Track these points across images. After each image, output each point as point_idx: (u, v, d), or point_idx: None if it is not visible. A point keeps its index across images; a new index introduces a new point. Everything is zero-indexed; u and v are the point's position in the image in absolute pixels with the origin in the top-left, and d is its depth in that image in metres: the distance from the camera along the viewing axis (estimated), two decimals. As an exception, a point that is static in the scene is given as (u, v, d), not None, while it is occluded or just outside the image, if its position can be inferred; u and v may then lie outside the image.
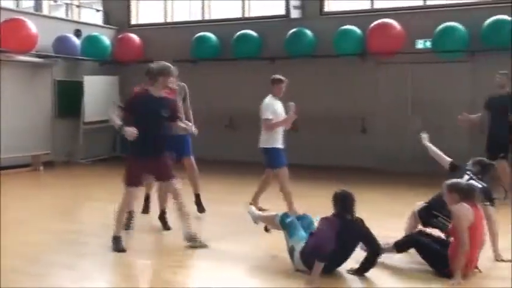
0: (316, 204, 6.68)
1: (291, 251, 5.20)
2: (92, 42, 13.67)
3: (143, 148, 5.74)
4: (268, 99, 7.47)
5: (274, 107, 7.39)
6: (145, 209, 7.40)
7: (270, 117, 7.30)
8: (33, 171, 12.25)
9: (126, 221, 6.37)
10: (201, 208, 7.53)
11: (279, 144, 7.41)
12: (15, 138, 12.02)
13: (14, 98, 12.26)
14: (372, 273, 5.05)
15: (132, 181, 5.82)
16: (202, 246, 5.94)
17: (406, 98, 12.02)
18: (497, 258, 5.49)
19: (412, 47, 11.66)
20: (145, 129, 5.63)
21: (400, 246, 5.35)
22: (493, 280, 5.06)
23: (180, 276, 5.33)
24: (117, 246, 5.78)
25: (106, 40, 13.96)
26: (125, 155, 5.91)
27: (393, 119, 12.08)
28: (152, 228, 6.90)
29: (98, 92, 13.41)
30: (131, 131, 5.57)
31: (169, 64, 6.01)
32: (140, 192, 6.53)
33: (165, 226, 6.85)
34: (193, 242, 5.93)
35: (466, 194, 5.04)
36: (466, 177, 5.66)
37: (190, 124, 6.34)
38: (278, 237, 5.67)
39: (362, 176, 10.76)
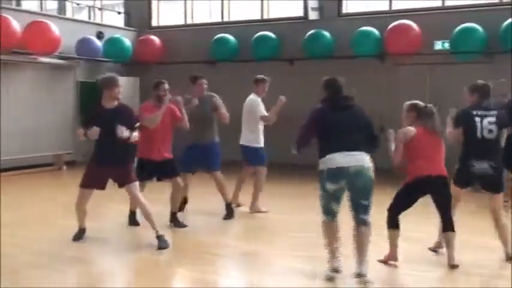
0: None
1: None
2: (113, 43, 13.93)
3: (103, 156, 6.02)
4: (255, 98, 7.81)
5: (262, 104, 7.80)
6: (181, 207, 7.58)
7: (266, 113, 7.71)
8: (57, 170, 12.55)
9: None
10: (230, 213, 7.62)
11: (262, 143, 7.83)
12: (38, 138, 12.35)
13: (37, 98, 12.58)
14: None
15: (84, 183, 6.10)
16: (165, 247, 6.04)
17: (424, 99, 11.94)
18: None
19: (430, 48, 11.67)
20: (103, 140, 5.89)
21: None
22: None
23: (200, 274, 5.47)
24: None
25: (127, 42, 14.21)
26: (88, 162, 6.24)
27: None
28: (169, 226, 7.07)
29: (119, 92, 13.63)
30: (93, 131, 5.82)
31: (113, 75, 6.25)
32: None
33: (180, 225, 7.05)
34: (160, 242, 6.04)
35: (420, 113, 5.27)
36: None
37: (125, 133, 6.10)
38: (299, 239, 5.77)
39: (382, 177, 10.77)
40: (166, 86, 6.87)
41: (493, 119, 5.50)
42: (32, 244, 6.19)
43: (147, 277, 5.28)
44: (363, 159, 4.78)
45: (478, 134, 5.43)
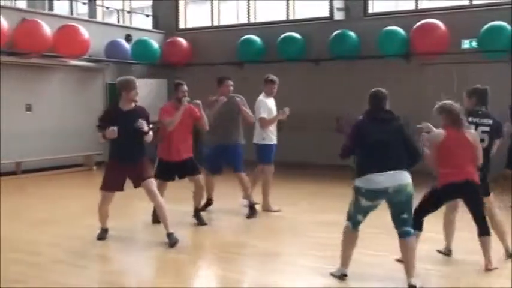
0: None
1: None
2: (141, 46, 14.14)
3: (121, 157, 6.12)
4: (261, 98, 7.88)
5: (267, 106, 7.81)
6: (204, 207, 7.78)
7: (265, 115, 7.71)
8: (87, 170, 12.81)
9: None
10: (252, 212, 7.70)
11: (271, 141, 7.87)
12: (68, 139, 12.65)
13: (67, 100, 12.89)
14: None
15: (105, 186, 6.22)
16: (175, 242, 6.12)
17: (452, 99, 11.89)
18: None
19: (457, 47, 11.55)
20: (122, 141, 5.98)
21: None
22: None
23: (221, 272, 5.57)
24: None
25: (155, 44, 14.40)
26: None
27: (438, 119, 11.96)
28: (191, 225, 7.20)
29: (147, 94, 13.77)
30: (111, 130, 5.90)
31: (131, 78, 6.30)
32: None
33: (201, 222, 7.19)
34: (170, 241, 6.14)
35: (449, 114, 5.13)
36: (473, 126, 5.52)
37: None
38: (320, 239, 5.80)
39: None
40: (185, 87, 6.99)
41: (486, 129, 5.50)
42: (60, 242, 6.36)
43: (169, 275, 5.39)
44: (401, 178, 4.74)
45: None
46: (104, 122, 6.11)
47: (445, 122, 5.20)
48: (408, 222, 4.82)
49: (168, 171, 6.98)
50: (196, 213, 7.23)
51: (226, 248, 6.29)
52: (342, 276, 4.97)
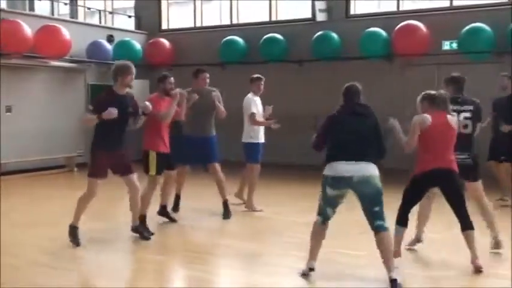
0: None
1: None
2: (123, 47, 14.06)
3: (109, 143, 6.05)
4: (250, 96, 7.99)
5: (256, 103, 7.94)
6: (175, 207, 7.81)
7: (255, 111, 7.84)
8: (68, 172, 12.71)
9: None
10: (227, 212, 7.69)
11: (258, 139, 7.96)
12: (49, 140, 12.53)
13: (48, 101, 12.78)
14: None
15: (96, 173, 6.09)
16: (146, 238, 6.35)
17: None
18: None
19: (438, 49, 11.66)
20: (113, 125, 5.93)
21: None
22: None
23: (200, 273, 5.53)
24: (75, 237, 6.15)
25: (137, 45, 14.34)
26: (91, 149, 6.17)
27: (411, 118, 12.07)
28: (172, 225, 7.19)
29: (129, 95, 13.79)
30: (110, 111, 5.81)
31: (128, 62, 6.24)
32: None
33: (171, 219, 7.26)
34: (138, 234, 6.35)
35: (434, 99, 5.26)
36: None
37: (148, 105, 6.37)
38: (300, 239, 5.81)
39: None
40: (172, 79, 6.97)
41: (468, 114, 5.65)
42: (41, 243, 6.30)
43: (150, 277, 5.37)
44: (367, 169, 4.82)
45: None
46: (100, 105, 5.94)
47: (429, 108, 5.26)
48: (380, 216, 4.83)
49: (163, 163, 6.87)
50: (164, 210, 7.29)
51: (207, 248, 6.29)
52: (309, 270, 4.99)
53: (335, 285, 4.93)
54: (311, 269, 5.03)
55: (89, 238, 6.37)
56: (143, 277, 5.44)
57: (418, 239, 5.88)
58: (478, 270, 5.09)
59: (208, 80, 7.75)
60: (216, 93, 7.72)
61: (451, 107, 5.46)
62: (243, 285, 5.09)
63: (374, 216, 4.84)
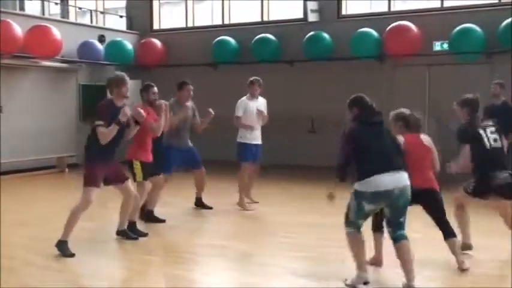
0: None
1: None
2: (115, 47, 14.02)
3: (106, 154, 5.95)
4: (243, 98, 8.25)
5: (246, 106, 8.14)
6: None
7: (239, 114, 8.05)
8: (59, 172, 12.66)
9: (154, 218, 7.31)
10: (205, 207, 8.16)
11: (246, 140, 8.13)
12: (41, 140, 12.46)
13: (40, 101, 12.72)
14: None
15: (93, 182, 5.92)
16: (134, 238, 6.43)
17: (424, 99, 12.08)
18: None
19: (429, 49, 11.71)
20: (113, 138, 5.83)
21: None
22: (493, 280, 5.12)
23: (187, 273, 5.55)
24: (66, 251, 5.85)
25: (129, 45, 14.30)
26: (87, 160, 5.99)
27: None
28: (164, 226, 7.20)
29: (121, 95, 13.75)
30: (125, 110, 5.79)
31: (121, 74, 6.19)
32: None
33: (159, 220, 7.31)
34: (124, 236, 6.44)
35: (407, 123, 5.29)
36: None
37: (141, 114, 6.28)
38: (294, 239, 5.81)
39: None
40: (156, 89, 7.00)
41: (493, 128, 5.65)
42: (33, 244, 6.27)
43: (143, 277, 5.37)
44: (404, 179, 4.65)
45: (487, 145, 5.49)
46: (107, 114, 5.83)
47: (401, 128, 5.30)
48: (403, 225, 4.74)
49: (148, 170, 6.91)
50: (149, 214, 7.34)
51: (201, 249, 6.29)
52: (365, 284, 4.73)
53: (333, 285, 4.95)
54: (366, 283, 4.74)
55: (80, 238, 6.34)
56: (136, 278, 5.43)
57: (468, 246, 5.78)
58: (464, 271, 5.14)
59: (192, 93, 7.89)
60: (193, 106, 8.00)
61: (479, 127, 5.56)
62: (236, 285, 5.10)
63: (398, 226, 4.71)
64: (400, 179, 4.62)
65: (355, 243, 4.77)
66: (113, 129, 5.80)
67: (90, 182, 5.92)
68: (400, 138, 5.11)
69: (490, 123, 5.70)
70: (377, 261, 5.33)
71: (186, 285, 5.23)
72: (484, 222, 6.50)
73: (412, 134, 5.28)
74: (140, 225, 6.85)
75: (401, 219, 4.73)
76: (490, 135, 5.56)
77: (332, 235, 6.03)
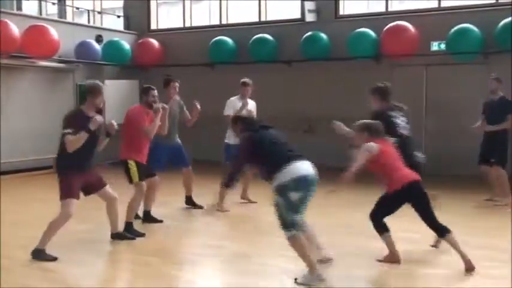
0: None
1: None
2: (112, 47, 14.01)
3: (81, 164, 5.80)
4: (233, 98, 8.35)
5: (235, 106, 8.20)
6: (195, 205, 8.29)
7: (228, 113, 8.07)
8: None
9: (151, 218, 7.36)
10: (196, 206, 8.27)
11: (230, 140, 8.17)
12: (38, 141, 12.43)
13: (37, 101, 12.69)
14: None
15: (71, 194, 5.76)
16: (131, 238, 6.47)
17: (421, 100, 12.09)
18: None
19: (427, 49, 11.71)
20: (84, 147, 5.69)
21: None
22: (493, 280, 5.11)
23: (184, 273, 5.55)
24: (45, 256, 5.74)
25: (126, 45, 14.29)
26: (61, 171, 5.81)
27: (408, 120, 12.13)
28: (159, 227, 7.20)
29: (118, 95, 13.72)
30: (97, 119, 5.64)
31: (98, 83, 6.06)
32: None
33: (156, 220, 7.36)
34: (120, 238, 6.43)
35: (373, 131, 5.47)
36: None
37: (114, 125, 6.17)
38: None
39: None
40: (155, 92, 6.96)
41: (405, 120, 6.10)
42: (30, 244, 6.22)
43: (139, 278, 5.36)
44: (313, 169, 4.85)
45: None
46: (77, 123, 5.69)
47: (369, 137, 5.43)
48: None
49: (143, 171, 6.90)
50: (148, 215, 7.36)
51: (197, 249, 6.28)
52: (321, 280, 4.79)
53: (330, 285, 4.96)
54: (321, 280, 4.80)
55: (76, 240, 6.35)
56: (132, 278, 5.44)
57: None
58: (471, 269, 5.15)
59: (177, 90, 7.89)
60: (180, 102, 8.03)
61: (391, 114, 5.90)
62: (233, 285, 5.10)
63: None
64: (311, 168, 4.82)
65: (298, 246, 4.81)
66: (81, 138, 5.60)
67: (66, 194, 5.75)
68: (372, 144, 5.32)
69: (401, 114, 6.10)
70: (394, 258, 5.38)
71: (183, 286, 5.24)
72: (484, 222, 6.50)
73: (379, 139, 5.42)
74: (137, 226, 6.86)
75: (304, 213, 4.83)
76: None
77: (328, 235, 6.03)
